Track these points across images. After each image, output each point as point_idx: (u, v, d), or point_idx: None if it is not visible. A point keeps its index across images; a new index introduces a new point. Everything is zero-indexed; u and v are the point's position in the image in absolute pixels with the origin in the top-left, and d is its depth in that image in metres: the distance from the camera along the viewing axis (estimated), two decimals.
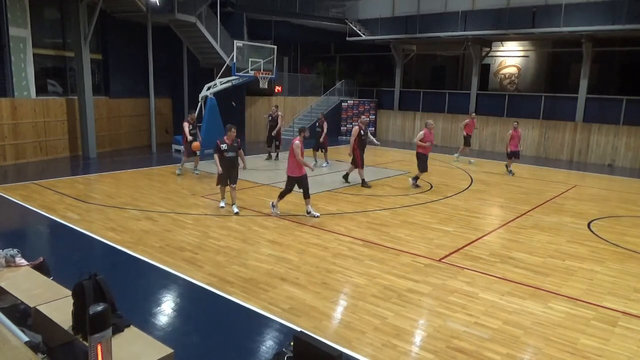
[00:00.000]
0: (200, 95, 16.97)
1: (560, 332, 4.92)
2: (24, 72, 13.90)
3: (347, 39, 22.84)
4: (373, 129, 23.62)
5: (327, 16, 23.28)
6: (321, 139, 14.33)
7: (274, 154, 15.50)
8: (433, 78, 26.20)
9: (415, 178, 12.05)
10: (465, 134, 16.54)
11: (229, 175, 8.95)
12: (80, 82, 14.76)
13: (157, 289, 5.80)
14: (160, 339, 4.06)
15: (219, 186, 9.24)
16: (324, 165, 14.22)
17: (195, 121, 12.71)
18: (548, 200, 10.99)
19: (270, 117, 15.11)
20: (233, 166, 8.98)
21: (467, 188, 12.19)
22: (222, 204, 9.30)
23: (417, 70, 26.77)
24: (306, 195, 8.98)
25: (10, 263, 5.06)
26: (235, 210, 8.98)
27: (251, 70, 16.57)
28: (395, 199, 10.76)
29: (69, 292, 4.16)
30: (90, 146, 15.14)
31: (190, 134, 12.36)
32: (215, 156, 8.84)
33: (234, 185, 9.05)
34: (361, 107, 23.44)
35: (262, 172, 13.43)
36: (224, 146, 8.79)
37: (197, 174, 12.65)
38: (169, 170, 13.31)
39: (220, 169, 8.82)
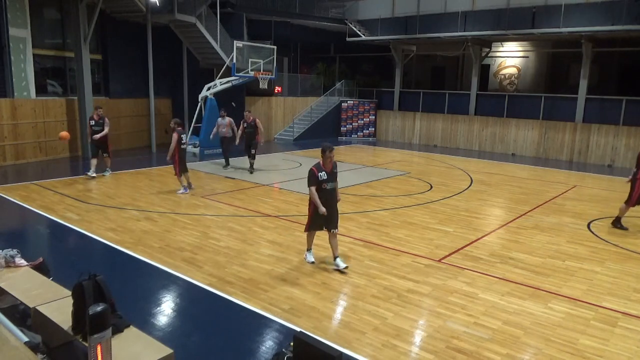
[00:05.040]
0: (200, 96, 16.98)
1: (560, 332, 4.92)
2: (24, 72, 13.90)
3: (347, 39, 22.85)
4: (373, 129, 23.65)
5: (327, 16, 23.30)
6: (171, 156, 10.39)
7: (252, 162, 13.32)
8: (433, 78, 26.23)
9: None
10: None
11: (327, 216, 6.27)
12: (80, 83, 14.76)
13: (157, 290, 5.80)
14: (160, 339, 4.06)
15: (308, 232, 6.66)
16: (180, 191, 10.62)
17: (100, 117, 11.94)
18: (548, 201, 10.99)
19: (245, 124, 12.89)
20: (333, 202, 6.44)
21: (467, 188, 12.19)
22: (310, 258, 6.69)
23: (417, 70, 26.79)
24: None
25: (10, 263, 5.05)
26: (342, 265, 6.40)
27: (251, 70, 16.57)
28: (395, 199, 10.76)
29: (69, 293, 4.15)
30: (90, 146, 15.11)
31: (93, 130, 11.81)
32: (312, 190, 6.23)
33: (335, 231, 6.45)
34: (361, 107, 23.46)
35: (262, 172, 13.40)
36: (322, 175, 6.25)
37: (103, 174, 12.13)
38: (169, 170, 13.29)
39: (322, 208, 6.18)
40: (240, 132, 12.98)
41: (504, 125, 19.92)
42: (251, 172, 13.06)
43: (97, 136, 11.80)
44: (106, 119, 12.00)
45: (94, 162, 11.90)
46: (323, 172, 6.25)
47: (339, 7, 24.14)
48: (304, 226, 6.67)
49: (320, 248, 7.28)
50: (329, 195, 6.32)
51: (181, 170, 10.51)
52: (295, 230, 8.17)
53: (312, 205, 6.33)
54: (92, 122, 11.91)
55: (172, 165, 10.74)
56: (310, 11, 22.58)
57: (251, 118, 12.95)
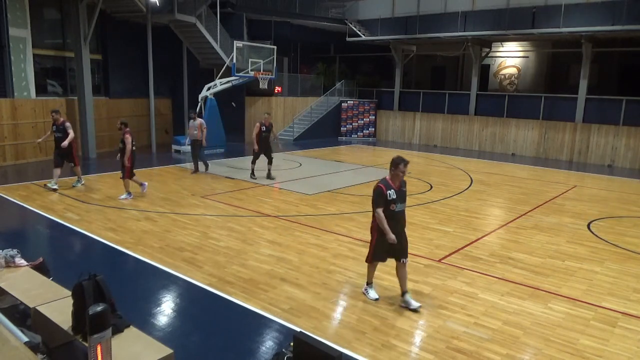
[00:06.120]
0: (200, 96, 17.00)
1: (560, 332, 4.92)
2: (24, 72, 13.91)
3: (347, 39, 22.85)
4: (373, 129, 23.65)
5: (327, 17, 23.30)
6: (125, 159, 9.76)
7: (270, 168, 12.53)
8: (433, 78, 26.23)
9: None
10: None
11: (396, 242, 5.25)
12: (80, 83, 14.77)
13: (157, 289, 5.80)
14: (160, 339, 4.06)
15: (372, 263, 5.61)
16: (123, 197, 9.95)
17: (60, 122, 10.36)
18: (548, 201, 10.99)
19: (263, 127, 12.07)
20: (402, 226, 5.46)
21: (467, 188, 12.19)
22: (374, 295, 5.58)
23: (417, 70, 26.79)
24: None
25: (10, 263, 5.06)
26: (414, 304, 5.33)
27: (251, 70, 16.59)
28: None
29: (69, 293, 4.16)
30: (90, 146, 15.14)
31: (55, 137, 10.44)
32: (379, 213, 5.22)
33: (405, 260, 5.43)
34: (361, 107, 23.46)
35: (261, 172, 13.38)
36: (391, 193, 5.24)
37: (79, 185, 10.87)
38: (169, 170, 13.31)
39: (391, 236, 5.18)
40: (255, 135, 12.00)
41: (504, 125, 19.93)
42: (273, 178, 12.30)
43: (65, 143, 10.21)
44: (67, 123, 10.44)
45: (56, 172, 10.49)
46: (392, 191, 5.23)
47: (339, 7, 24.13)
48: (366, 256, 5.63)
49: (320, 248, 7.28)
50: (398, 219, 5.33)
51: (131, 173, 9.90)
52: (295, 230, 8.17)
53: (377, 231, 5.33)
54: (54, 128, 10.44)
55: (121, 168, 9.96)
56: (310, 11, 22.58)
57: (269, 121, 12.28)
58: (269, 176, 12.39)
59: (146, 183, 10.47)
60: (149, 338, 3.88)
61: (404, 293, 5.43)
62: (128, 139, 9.65)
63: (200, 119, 12.96)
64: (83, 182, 11.03)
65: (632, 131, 16.87)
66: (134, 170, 10.06)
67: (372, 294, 5.60)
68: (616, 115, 17.32)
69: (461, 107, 21.35)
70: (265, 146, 12.16)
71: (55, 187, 10.50)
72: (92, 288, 3.91)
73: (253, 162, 12.39)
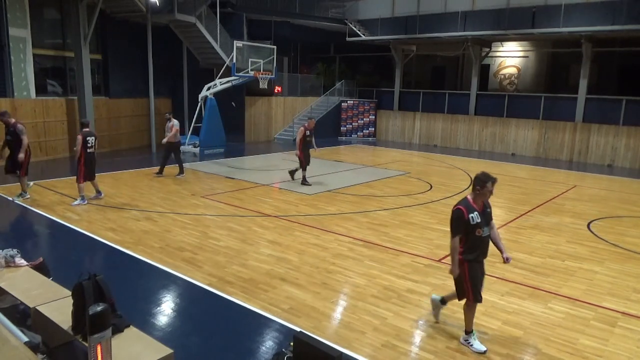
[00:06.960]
0: (200, 96, 17.00)
1: (559, 332, 4.92)
2: (24, 72, 13.90)
3: (347, 39, 22.86)
4: (373, 129, 23.65)
5: (327, 16, 23.30)
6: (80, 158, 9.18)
7: (302, 173, 11.84)
8: (433, 78, 26.23)
9: None
10: None
11: (482, 275, 4.66)
12: (80, 83, 14.76)
13: (157, 289, 5.80)
14: (160, 339, 4.06)
15: (473, 304, 4.59)
16: (76, 202, 9.34)
17: (10, 124, 9.19)
18: (548, 201, 11.00)
19: (308, 132, 11.57)
20: (485, 255, 4.72)
21: (466, 188, 12.18)
22: (480, 346, 4.49)
23: (417, 70, 26.79)
24: None
25: (10, 263, 5.06)
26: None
27: (251, 70, 16.59)
28: (395, 199, 10.76)
29: (69, 293, 4.16)
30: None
31: (7, 141, 9.30)
32: (455, 242, 4.50)
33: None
34: (361, 107, 23.46)
35: (261, 171, 13.40)
36: (474, 216, 4.49)
37: (26, 197, 9.63)
38: (169, 170, 13.29)
39: (456, 270, 4.52)
40: (299, 140, 11.57)
41: (504, 125, 19.93)
42: (310, 184, 11.69)
43: (21, 156, 9.13)
44: (19, 126, 9.17)
45: (22, 180, 9.62)
46: (475, 213, 4.46)
47: (339, 7, 24.14)
48: (466, 299, 4.58)
49: (320, 248, 7.28)
50: (486, 244, 4.62)
51: (86, 176, 9.30)
52: (295, 230, 8.17)
53: (466, 261, 4.50)
54: (5, 130, 9.36)
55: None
56: (310, 11, 22.58)
57: (313, 126, 11.76)
58: (304, 182, 11.73)
59: (85, 201, 9.40)
60: (149, 338, 3.88)
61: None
62: (78, 139, 9.10)
63: (175, 120, 12.14)
64: (28, 195, 9.64)
65: (632, 131, 16.87)
66: (90, 175, 9.42)
67: (479, 344, 4.48)
68: (616, 115, 17.33)
69: (461, 107, 21.36)
70: (306, 152, 11.66)
71: (28, 189, 9.76)
72: (92, 288, 3.91)
73: (304, 169, 11.75)
